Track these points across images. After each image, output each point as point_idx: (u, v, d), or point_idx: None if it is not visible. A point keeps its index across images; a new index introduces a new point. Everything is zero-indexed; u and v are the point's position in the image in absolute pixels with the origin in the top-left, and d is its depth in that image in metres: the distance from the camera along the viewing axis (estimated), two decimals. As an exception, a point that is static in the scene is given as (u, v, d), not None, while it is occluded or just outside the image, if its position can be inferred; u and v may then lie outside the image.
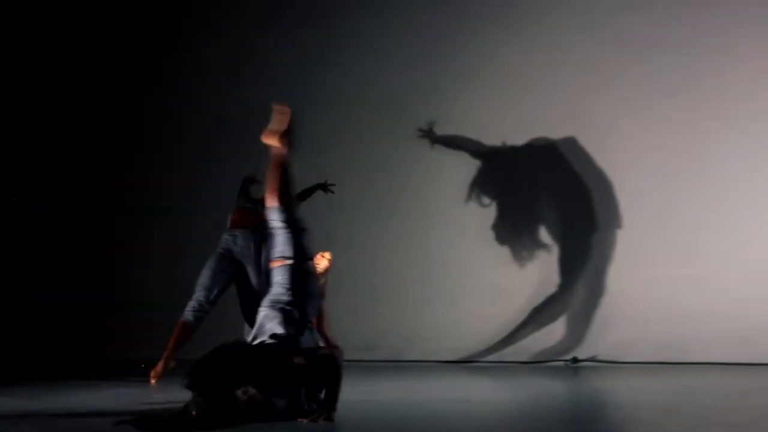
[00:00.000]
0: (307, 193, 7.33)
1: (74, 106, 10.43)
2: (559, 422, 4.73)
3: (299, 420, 4.56)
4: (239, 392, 4.42)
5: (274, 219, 5.08)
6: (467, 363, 7.90)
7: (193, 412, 4.39)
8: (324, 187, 7.39)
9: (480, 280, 8.39)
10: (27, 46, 10.37)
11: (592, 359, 7.91)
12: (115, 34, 10.38)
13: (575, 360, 7.95)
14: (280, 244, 5.03)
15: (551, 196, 8.44)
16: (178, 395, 5.93)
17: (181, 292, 8.95)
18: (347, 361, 6.84)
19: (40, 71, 10.44)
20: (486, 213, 8.51)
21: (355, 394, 5.29)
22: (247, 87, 9.54)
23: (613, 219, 8.17)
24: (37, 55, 10.43)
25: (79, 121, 10.45)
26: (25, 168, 10.41)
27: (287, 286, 4.91)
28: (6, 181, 10.38)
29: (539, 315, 8.21)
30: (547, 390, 6.35)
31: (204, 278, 7.10)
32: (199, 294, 7.08)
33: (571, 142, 8.28)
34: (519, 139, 8.46)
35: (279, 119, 5.40)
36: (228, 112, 9.62)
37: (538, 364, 8.03)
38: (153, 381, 6.91)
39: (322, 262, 6.08)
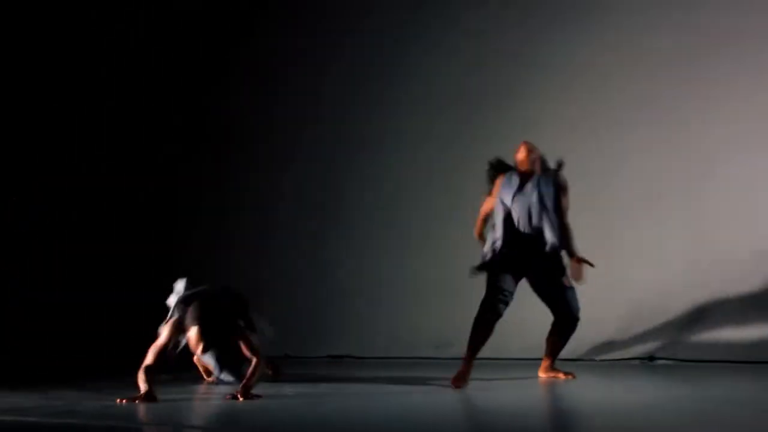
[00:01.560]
0: None
1: (74, 106, 10.32)
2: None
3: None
4: None
5: None
6: (535, 360, 7.59)
7: None
8: None
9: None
10: (27, 46, 10.24)
11: (670, 358, 7.68)
12: (115, 34, 10.33)
13: (652, 358, 7.73)
14: None
15: (632, 194, 8.21)
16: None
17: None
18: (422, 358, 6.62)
19: (41, 71, 10.29)
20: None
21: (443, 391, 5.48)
22: (331, 85, 9.60)
23: (685, 217, 7.98)
24: (38, 55, 10.28)
25: (79, 121, 10.35)
26: (25, 168, 10.27)
27: None
28: (6, 181, 10.23)
29: (613, 313, 7.95)
30: (644, 388, 6.16)
31: None
32: None
33: (663, 140, 8.09)
34: (608, 135, 8.33)
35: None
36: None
37: (612, 361, 7.83)
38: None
39: None
